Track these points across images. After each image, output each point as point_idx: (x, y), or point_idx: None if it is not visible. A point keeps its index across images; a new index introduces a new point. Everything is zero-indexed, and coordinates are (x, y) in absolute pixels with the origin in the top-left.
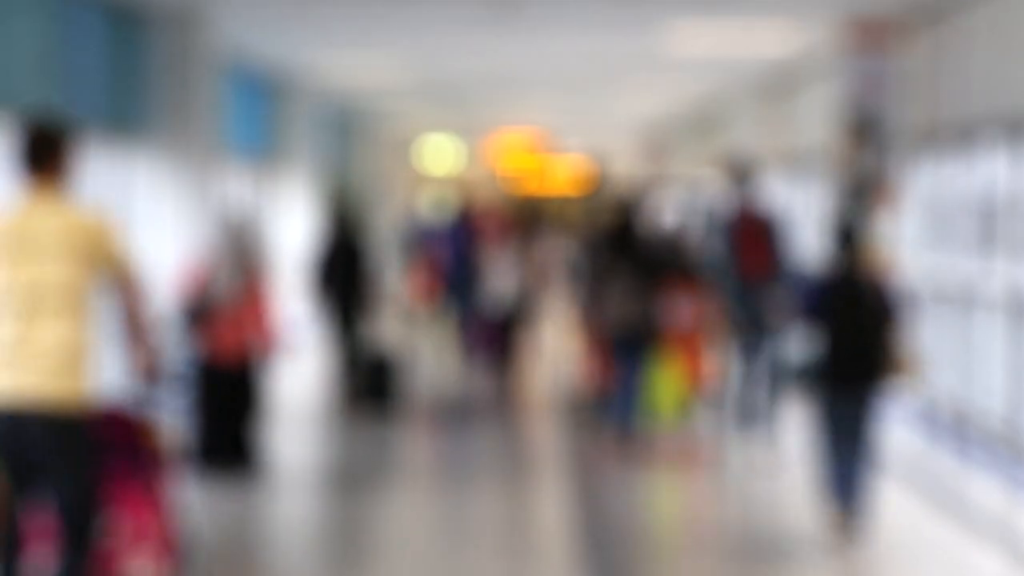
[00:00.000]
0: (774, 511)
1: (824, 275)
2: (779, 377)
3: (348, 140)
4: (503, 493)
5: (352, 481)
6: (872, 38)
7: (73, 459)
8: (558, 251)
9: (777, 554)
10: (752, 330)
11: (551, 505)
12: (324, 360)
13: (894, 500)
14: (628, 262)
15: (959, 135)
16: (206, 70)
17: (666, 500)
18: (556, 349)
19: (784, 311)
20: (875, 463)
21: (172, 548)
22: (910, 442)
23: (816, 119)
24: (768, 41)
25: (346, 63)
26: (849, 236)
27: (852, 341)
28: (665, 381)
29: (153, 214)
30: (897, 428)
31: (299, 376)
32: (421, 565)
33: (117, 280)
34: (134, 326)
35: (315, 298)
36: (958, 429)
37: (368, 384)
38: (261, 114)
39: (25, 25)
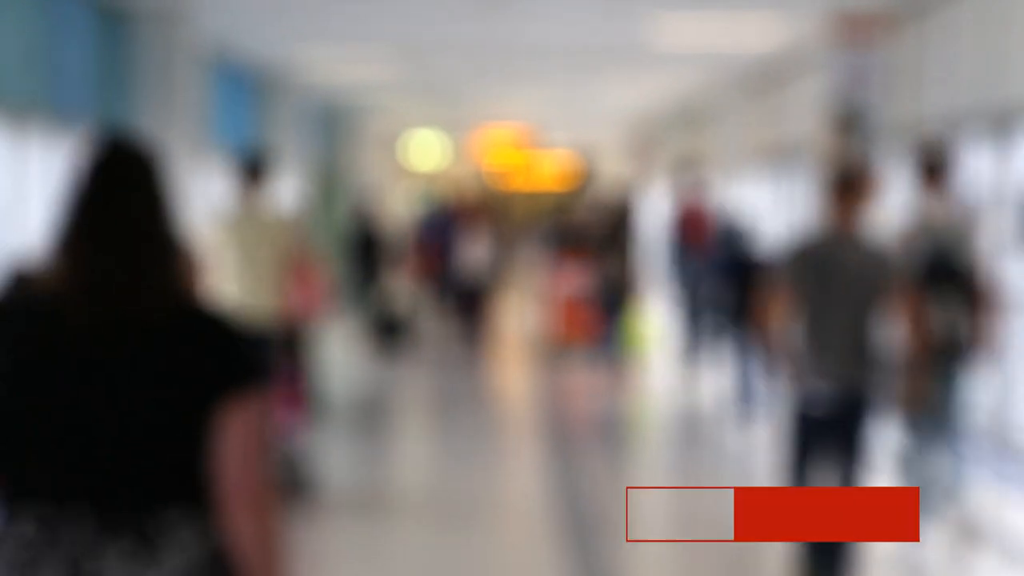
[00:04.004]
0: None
1: (737, 252)
2: (708, 321)
3: (333, 135)
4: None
5: (376, 406)
6: (857, 32)
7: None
8: (522, 237)
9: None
10: (694, 301)
11: (520, 410)
12: (352, 317)
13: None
14: (620, 245)
15: (944, 128)
16: (191, 66)
17: (624, 406)
18: (521, 310)
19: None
20: (759, 372)
21: (306, 411)
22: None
23: (802, 113)
24: (754, 35)
25: (331, 58)
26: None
27: (745, 292)
28: (636, 324)
29: None
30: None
31: (334, 328)
32: (424, 444)
33: (292, 250)
34: (300, 279)
35: (349, 272)
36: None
37: (387, 333)
38: (246, 109)
39: (12, 21)
